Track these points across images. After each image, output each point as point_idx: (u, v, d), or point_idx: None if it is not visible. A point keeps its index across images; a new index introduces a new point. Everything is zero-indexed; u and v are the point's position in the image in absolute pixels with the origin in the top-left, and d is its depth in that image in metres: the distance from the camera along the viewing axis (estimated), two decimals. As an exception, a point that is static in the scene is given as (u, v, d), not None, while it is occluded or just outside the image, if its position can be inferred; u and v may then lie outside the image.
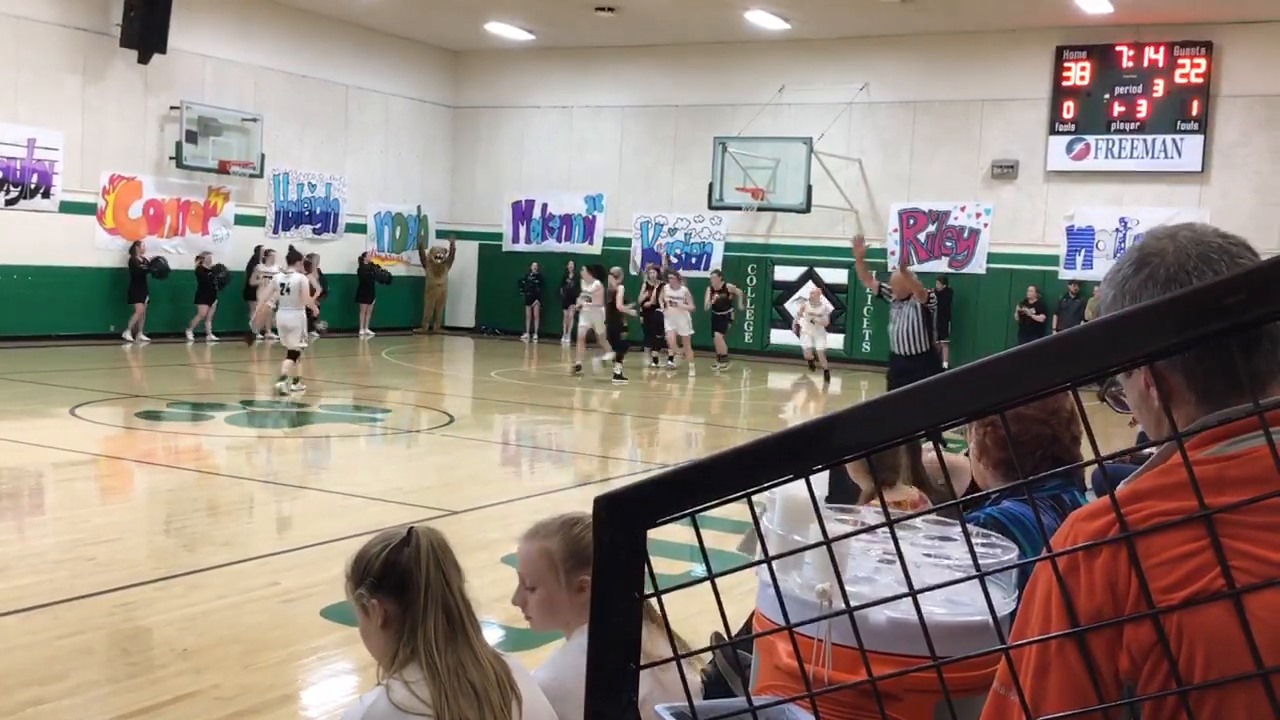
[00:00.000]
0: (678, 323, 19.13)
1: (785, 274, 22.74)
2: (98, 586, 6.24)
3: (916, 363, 11.49)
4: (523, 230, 25.49)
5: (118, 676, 5.07)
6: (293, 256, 15.46)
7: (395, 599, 2.42)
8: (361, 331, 23.50)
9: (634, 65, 23.85)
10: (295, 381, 14.27)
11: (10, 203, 18.48)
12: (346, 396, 15.83)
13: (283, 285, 14.69)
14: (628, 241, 24.20)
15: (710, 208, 22.20)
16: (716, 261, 23.29)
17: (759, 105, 22.33)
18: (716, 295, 20.18)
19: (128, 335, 19.49)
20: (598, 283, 18.21)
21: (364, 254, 23.76)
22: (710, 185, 21.62)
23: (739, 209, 21.80)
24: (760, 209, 21.75)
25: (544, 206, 25.22)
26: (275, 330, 15.64)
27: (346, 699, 4.66)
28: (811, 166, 21.10)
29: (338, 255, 23.26)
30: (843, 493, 4.10)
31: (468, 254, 25.57)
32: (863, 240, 12.82)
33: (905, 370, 11.50)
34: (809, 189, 21.06)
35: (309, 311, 14.93)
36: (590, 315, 18.11)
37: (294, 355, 14.33)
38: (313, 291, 15.80)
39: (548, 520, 2.84)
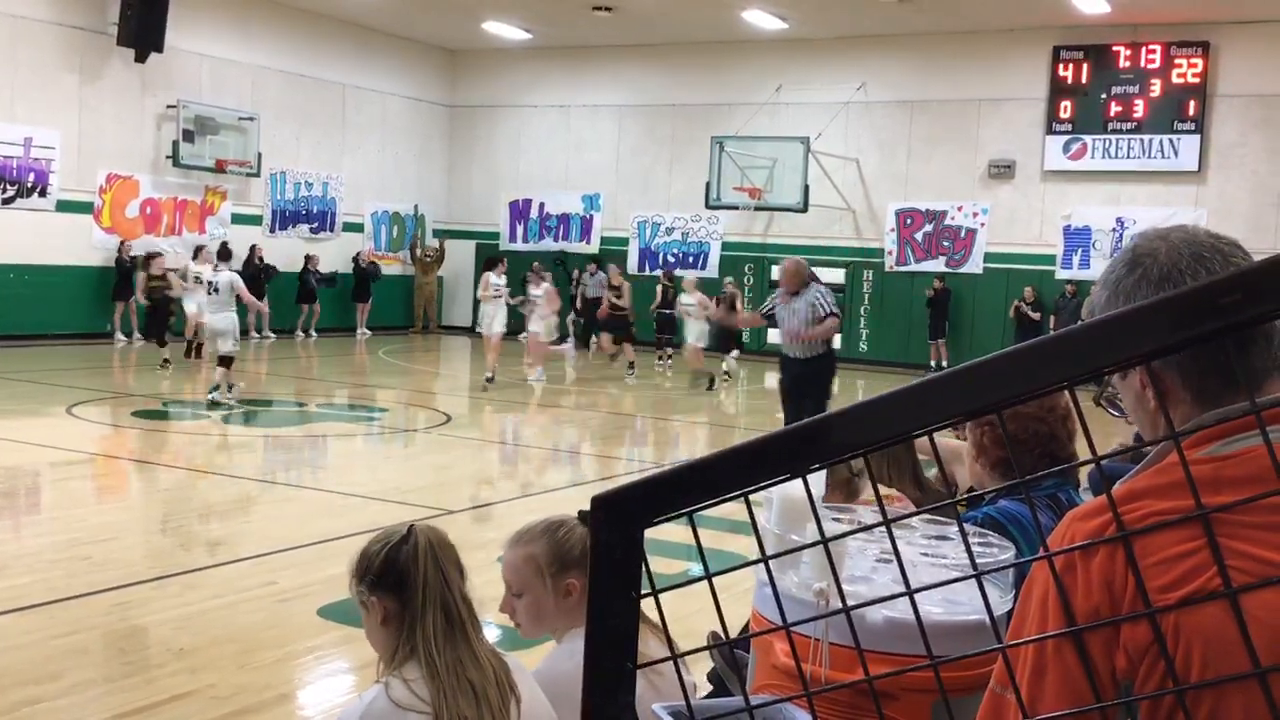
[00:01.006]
0: (536, 325, 17.16)
1: (782, 274, 22.71)
2: (93, 586, 6.23)
3: (811, 367, 10.06)
4: (520, 230, 25.48)
5: (113, 676, 5.07)
6: (224, 253, 13.97)
7: (394, 596, 2.42)
8: (358, 331, 23.50)
9: (631, 65, 23.85)
10: (230, 388, 12.97)
11: (7, 202, 18.46)
12: (343, 395, 15.83)
13: (211, 284, 13.15)
14: (625, 241, 24.20)
15: (707, 207, 22.22)
16: (714, 261, 23.31)
17: (756, 105, 22.33)
18: (610, 291, 18.74)
19: (120, 336, 19.44)
20: (493, 277, 17.37)
21: (358, 254, 23.74)
22: (707, 185, 21.62)
23: (736, 208, 21.80)
24: (757, 208, 21.76)
25: (541, 206, 25.22)
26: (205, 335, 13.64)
27: (343, 698, 4.66)
28: (809, 166, 21.10)
29: (335, 254, 23.27)
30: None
31: (465, 253, 25.54)
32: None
33: (801, 375, 10.13)
34: (806, 188, 21.07)
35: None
36: (497, 315, 16.62)
37: (225, 361, 12.94)
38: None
39: (531, 525, 2.84)
